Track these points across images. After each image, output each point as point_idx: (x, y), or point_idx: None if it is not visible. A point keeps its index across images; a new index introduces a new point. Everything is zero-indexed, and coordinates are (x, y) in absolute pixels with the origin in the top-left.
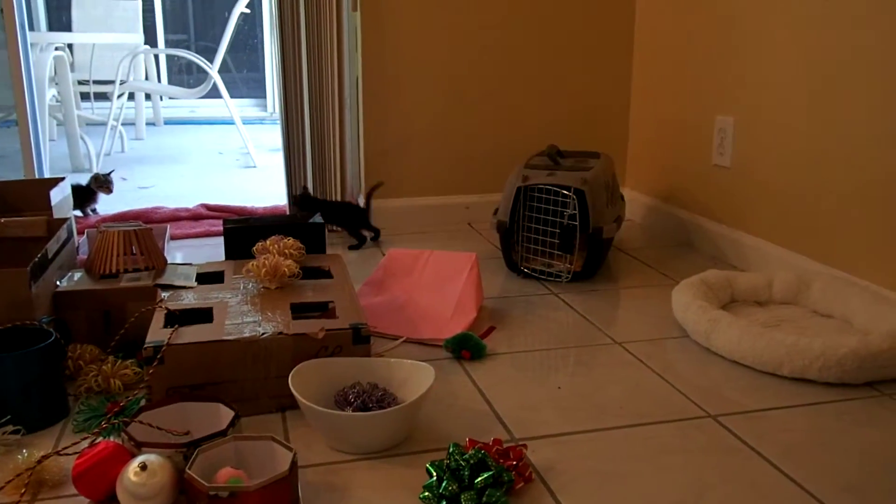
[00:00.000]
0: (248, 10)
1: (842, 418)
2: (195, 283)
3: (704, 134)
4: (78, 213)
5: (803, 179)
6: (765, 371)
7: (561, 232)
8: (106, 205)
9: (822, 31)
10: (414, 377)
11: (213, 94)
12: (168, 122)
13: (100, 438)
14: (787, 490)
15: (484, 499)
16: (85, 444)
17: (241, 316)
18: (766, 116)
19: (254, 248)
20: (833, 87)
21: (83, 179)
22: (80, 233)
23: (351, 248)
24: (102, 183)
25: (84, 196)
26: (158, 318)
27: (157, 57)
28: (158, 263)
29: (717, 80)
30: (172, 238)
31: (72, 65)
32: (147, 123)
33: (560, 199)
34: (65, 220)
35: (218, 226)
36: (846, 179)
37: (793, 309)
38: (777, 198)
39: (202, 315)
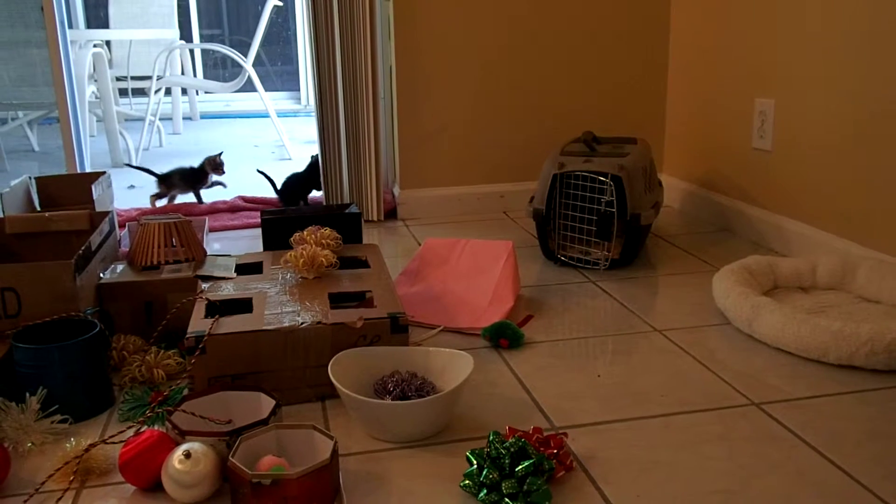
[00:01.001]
0: (280, 3)
1: (889, 405)
2: (234, 274)
3: (744, 117)
4: (154, 199)
5: (847, 162)
6: (809, 358)
7: (598, 219)
8: (146, 198)
9: (866, 9)
10: (452, 366)
11: (248, 87)
12: (204, 116)
13: (144, 427)
14: (834, 478)
15: (525, 487)
16: (130, 432)
17: (280, 306)
18: (808, 99)
19: (291, 239)
20: (877, 67)
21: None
22: (122, 226)
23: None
24: (217, 165)
25: (197, 178)
26: (199, 308)
27: (192, 52)
28: (198, 255)
29: (757, 62)
30: (211, 230)
31: (110, 61)
32: (184, 118)
33: (597, 185)
34: (107, 213)
35: (255, 217)
36: (891, 161)
37: (838, 294)
38: (820, 181)
39: (242, 305)
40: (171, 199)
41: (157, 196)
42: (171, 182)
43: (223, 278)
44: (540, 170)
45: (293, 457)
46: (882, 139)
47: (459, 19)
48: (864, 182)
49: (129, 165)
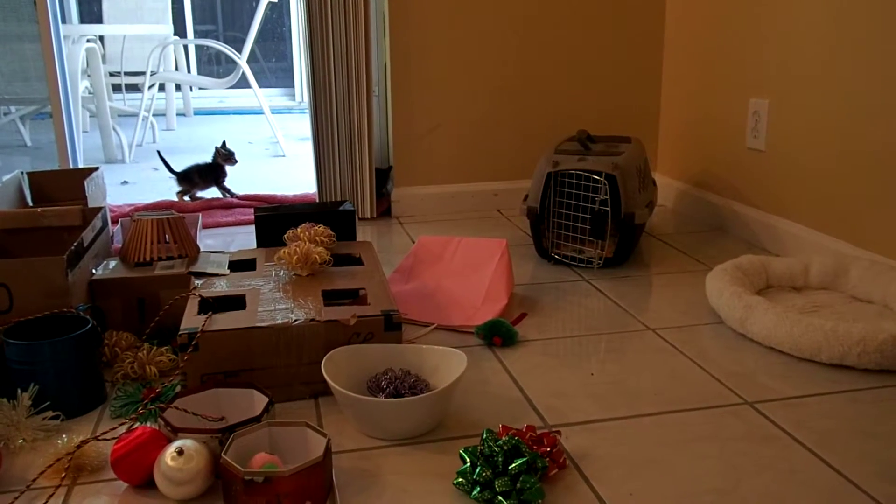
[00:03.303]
0: (275, 0)
1: (881, 405)
2: (228, 271)
3: (738, 117)
4: (193, 194)
5: (840, 162)
6: (802, 357)
7: (592, 218)
8: (139, 194)
9: (859, 9)
10: (446, 364)
11: (242, 84)
12: (198, 112)
13: (137, 424)
14: (826, 477)
15: (518, 485)
16: (122, 429)
17: (274, 303)
18: (802, 98)
19: (285, 236)
20: (870, 68)
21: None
22: (115, 222)
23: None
24: (227, 155)
25: (214, 172)
26: (192, 305)
27: (186, 48)
28: (191, 251)
29: (751, 62)
30: (204, 227)
31: (103, 56)
32: (177, 114)
33: (591, 184)
34: (99, 209)
35: (249, 214)
36: (884, 162)
37: (830, 294)
38: (813, 181)
39: (235, 302)
40: (193, 196)
41: (182, 193)
42: (191, 180)
43: (216, 275)
44: (534, 168)
45: (286, 454)
46: (875, 139)
47: (454, 17)
48: (858, 182)
49: (160, 153)
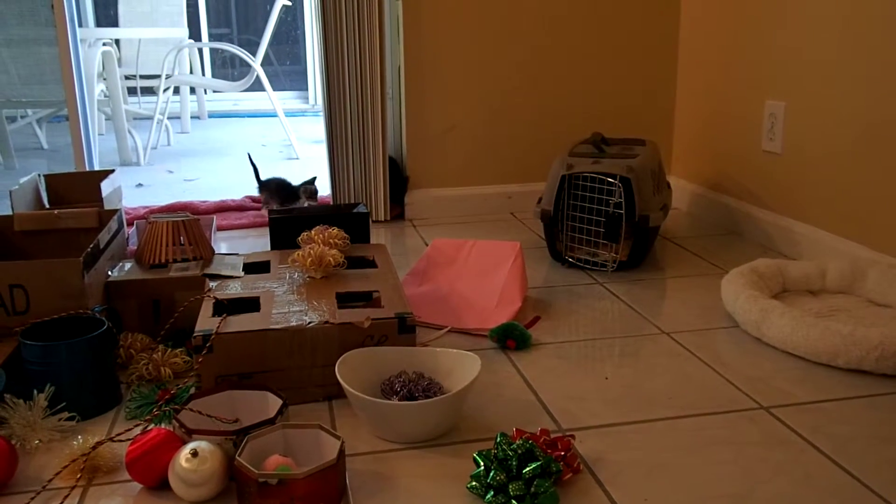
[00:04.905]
0: (289, 3)
1: None
2: (242, 273)
3: (754, 119)
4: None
5: (857, 165)
6: (819, 362)
7: (606, 221)
8: (153, 197)
9: (878, 11)
10: (460, 367)
11: (256, 86)
12: (212, 115)
13: (151, 425)
14: (843, 483)
15: (532, 489)
16: (137, 430)
17: (288, 305)
18: (819, 101)
19: (299, 238)
20: (888, 69)
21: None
22: (130, 224)
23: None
24: (311, 193)
25: (289, 196)
26: (207, 307)
27: (200, 51)
28: (206, 253)
29: (768, 64)
30: (219, 229)
31: (119, 60)
32: (192, 117)
33: (605, 187)
34: (115, 211)
35: (263, 217)
36: None
37: (847, 298)
38: (830, 184)
39: (249, 304)
40: (266, 203)
41: (263, 203)
42: (269, 189)
43: (231, 277)
44: (548, 171)
45: (300, 456)
46: (893, 143)
47: (468, 20)
48: (875, 185)
49: (249, 157)
